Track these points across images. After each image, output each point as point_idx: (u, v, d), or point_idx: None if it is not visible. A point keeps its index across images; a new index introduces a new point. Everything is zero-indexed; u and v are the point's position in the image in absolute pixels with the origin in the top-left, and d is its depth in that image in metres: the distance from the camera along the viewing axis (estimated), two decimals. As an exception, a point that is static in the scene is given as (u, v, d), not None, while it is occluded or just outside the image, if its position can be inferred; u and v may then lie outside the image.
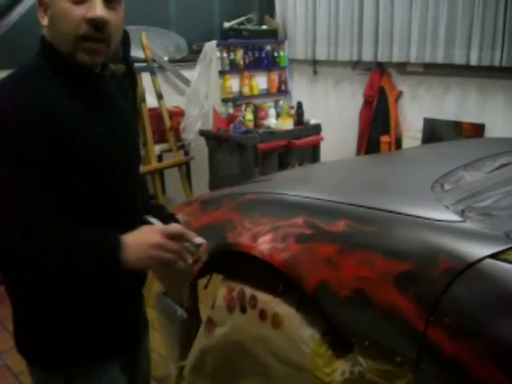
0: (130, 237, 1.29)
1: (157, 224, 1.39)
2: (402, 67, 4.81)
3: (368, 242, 1.42)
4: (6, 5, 4.08)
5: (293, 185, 2.08)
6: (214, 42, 4.75)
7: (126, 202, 1.44)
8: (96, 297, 1.38)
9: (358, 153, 5.10)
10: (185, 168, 4.77)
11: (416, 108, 4.80)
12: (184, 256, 1.36)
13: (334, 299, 1.42)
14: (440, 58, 4.38)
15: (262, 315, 1.68)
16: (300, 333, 1.56)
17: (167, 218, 1.62)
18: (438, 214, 1.47)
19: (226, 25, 5.24)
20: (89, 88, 1.37)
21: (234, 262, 1.80)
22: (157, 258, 1.30)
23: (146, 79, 4.34)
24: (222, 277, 1.86)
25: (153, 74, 4.39)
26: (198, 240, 1.38)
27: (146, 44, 4.37)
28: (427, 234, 1.37)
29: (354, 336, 1.37)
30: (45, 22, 1.31)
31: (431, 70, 4.60)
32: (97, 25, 1.27)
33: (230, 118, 4.61)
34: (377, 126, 4.95)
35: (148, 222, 1.41)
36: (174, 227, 1.36)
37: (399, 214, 1.48)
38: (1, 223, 1.20)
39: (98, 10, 1.26)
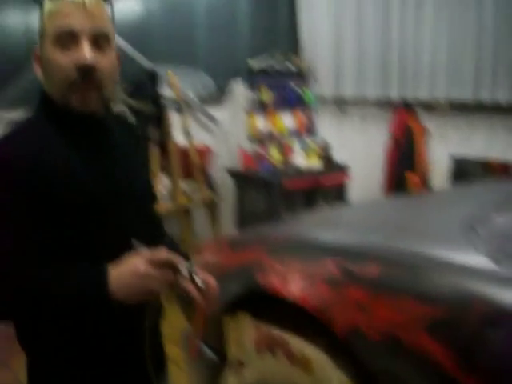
0: (115, 268, 1.20)
1: (142, 250, 1.24)
2: (429, 106, 4.81)
3: (400, 286, 1.40)
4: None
5: (321, 227, 2.07)
6: (240, 81, 4.80)
7: (124, 247, 1.30)
8: (91, 336, 1.30)
9: (385, 191, 5.08)
10: (212, 207, 4.78)
11: (443, 146, 4.77)
12: (183, 287, 1.23)
13: (366, 343, 1.40)
14: (467, 97, 4.37)
15: (292, 358, 1.66)
16: (330, 376, 1.54)
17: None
18: (471, 259, 1.45)
19: (253, 63, 5.30)
20: (85, 135, 1.34)
21: (262, 303, 1.80)
22: (146, 289, 1.19)
23: (174, 117, 4.40)
24: (251, 317, 1.85)
25: (181, 112, 4.45)
26: (190, 265, 1.24)
27: (173, 82, 4.44)
28: (461, 279, 1.35)
29: (385, 381, 1.35)
30: (39, 73, 1.32)
31: (458, 108, 4.59)
32: (85, 71, 1.24)
33: (257, 157, 4.63)
34: (404, 165, 4.93)
35: (133, 248, 1.27)
36: (160, 253, 1.22)
37: (431, 258, 1.46)
38: None
39: (86, 55, 1.23)
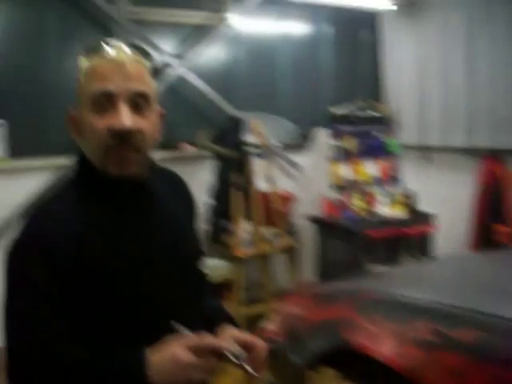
0: (156, 354, 1.14)
1: (184, 333, 1.18)
2: (519, 155, 4.67)
3: (500, 356, 1.33)
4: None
5: (412, 285, 2.02)
6: (324, 129, 4.82)
7: (165, 315, 1.24)
8: None
9: (472, 243, 4.91)
10: (293, 253, 4.76)
11: (535, 197, 4.60)
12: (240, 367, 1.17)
13: (460, 412, 1.34)
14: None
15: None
16: None
17: (224, 321, 1.37)
18: None
19: (335, 111, 5.32)
20: (126, 200, 1.27)
21: (348, 360, 1.76)
22: (187, 379, 1.13)
23: (257, 163, 4.45)
24: (335, 373, 1.81)
25: (264, 158, 4.50)
26: (237, 352, 1.17)
27: (257, 129, 4.50)
28: None
29: None
30: (75, 136, 1.26)
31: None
32: (121, 136, 1.18)
33: (340, 205, 4.60)
34: (492, 215, 4.77)
35: (175, 331, 1.20)
36: (204, 340, 1.16)
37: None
38: (14, 351, 1.16)
39: (123, 119, 1.17)
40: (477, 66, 4.80)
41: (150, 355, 1.14)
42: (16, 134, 3.93)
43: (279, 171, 5.08)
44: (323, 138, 4.78)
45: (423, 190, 5.04)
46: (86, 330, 1.18)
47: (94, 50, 1.23)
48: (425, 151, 5.43)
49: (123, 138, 1.18)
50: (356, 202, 4.54)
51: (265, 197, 4.54)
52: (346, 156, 4.88)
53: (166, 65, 4.46)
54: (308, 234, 4.83)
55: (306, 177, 4.72)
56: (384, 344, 1.56)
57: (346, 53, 5.56)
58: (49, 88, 4.08)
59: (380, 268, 4.23)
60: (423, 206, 4.74)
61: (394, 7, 5.25)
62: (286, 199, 4.78)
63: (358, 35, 5.62)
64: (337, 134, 4.89)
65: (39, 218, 1.22)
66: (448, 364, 1.41)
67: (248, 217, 4.43)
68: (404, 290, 1.83)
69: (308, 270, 4.82)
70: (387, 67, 5.63)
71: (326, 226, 4.56)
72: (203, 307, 1.41)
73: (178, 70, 4.44)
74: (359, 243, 4.27)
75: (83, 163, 1.26)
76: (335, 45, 5.44)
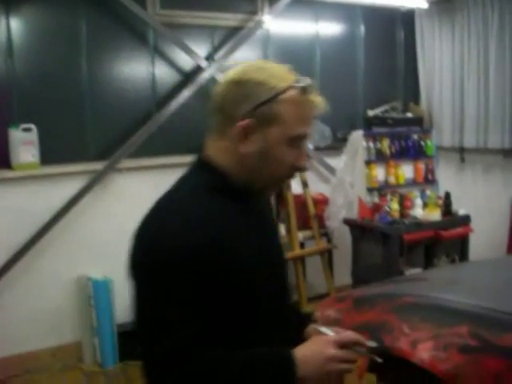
0: (301, 351, 1.24)
1: (327, 333, 1.29)
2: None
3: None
4: (165, 97, 4.45)
5: (450, 288, 2.00)
6: (360, 132, 4.80)
7: (282, 315, 1.40)
8: None
9: (510, 246, 4.83)
10: (327, 256, 4.76)
11: None
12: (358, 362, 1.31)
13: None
14: None
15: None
16: None
17: (305, 318, 1.54)
18: None
19: (371, 113, 5.30)
20: (248, 207, 1.35)
21: (387, 366, 1.75)
22: (334, 372, 1.22)
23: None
24: (375, 378, 1.81)
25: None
26: (372, 343, 1.32)
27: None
28: None
29: None
30: (246, 149, 1.26)
31: None
32: (298, 172, 1.33)
33: (376, 208, 4.58)
34: (531, 218, 4.69)
35: (318, 332, 1.33)
36: (347, 335, 1.28)
37: None
38: (153, 350, 1.18)
39: (305, 161, 1.32)
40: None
41: (295, 353, 1.23)
42: (47, 140, 3.99)
43: (314, 174, 5.09)
44: (359, 140, 4.76)
45: (460, 193, 4.99)
46: (223, 334, 1.23)
47: (306, 86, 1.26)
48: (461, 152, 5.37)
49: (296, 173, 1.34)
50: (392, 205, 4.51)
51: (300, 200, 4.55)
52: (381, 158, 4.86)
53: (199, 68, 4.49)
54: (343, 238, 4.81)
55: (341, 180, 4.69)
56: (423, 348, 1.56)
57: (382, 53, 5.53)
58: (81, 94, 4.15)
59: (416, 271, 4.19)
60: (460, 208, 4.69)
61: (428, 5, 5.20)
62: (321, 202, 4.78)
63: (393, 35, 5.59)
64: (372, 136, 4.87)
65: (179, 220, 1.22)
66: (489, 368, 1.40)
67: (283, 220, 4.45)
68: (442, 293, 1.82)
69: (343, 274, 4.81)
70: (423, 67, 5.58)
71: (362, 229, 4.54)
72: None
73: (212, 72, 4.47)
74: (395, 246, 4.24)
75: (218, 173, 1.30)
76: (370, 45, 5.42)
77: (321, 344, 1.25)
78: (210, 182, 1.29)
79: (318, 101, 1.28)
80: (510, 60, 4.75)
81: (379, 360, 1.28)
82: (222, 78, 1.31)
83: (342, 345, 1.24)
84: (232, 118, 1.25)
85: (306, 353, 1.23)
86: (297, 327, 1.47)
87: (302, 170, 1.32)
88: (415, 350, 1.57)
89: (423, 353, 1.55)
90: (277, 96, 1.23)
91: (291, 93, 1.24)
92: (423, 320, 1.66)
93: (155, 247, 1.20)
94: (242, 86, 1.25)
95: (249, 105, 1.23)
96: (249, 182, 1.30)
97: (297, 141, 1.27)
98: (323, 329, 1.31)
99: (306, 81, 1.26)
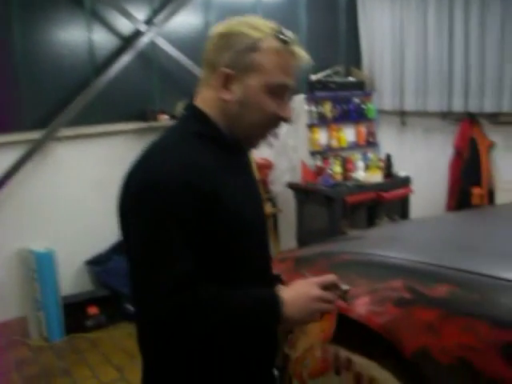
0: (286, 292, 1.29)
1: (310, 277, 1.36)
2: (495, 117, 4.70)
3: (472, 309, 1.37)
4: (103, 62, 4.34)
5: (387, 245, 2.05)
6: (302, 96, 4.81)
7: (264, 259, 1.45)
8: (228, 360, 1.33)
9: (449, 205, 4.97)
10: (272, 220, 4.80)
11: (510, 159, 4.64)
12: (338, 304, 1.36)
13: (435, 366, 1.38)
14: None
15: (358, 378, 1.65)
16: (397, 398, 1.52)
17: (274, 279, 1.55)
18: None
19: (313, 77, 5.31)
20: (235, 160, 1.38)
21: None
22: (317, 311, 1.29)
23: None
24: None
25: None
26: (345, 286, 1.36)
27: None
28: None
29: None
30: (227, 97, 1.30)
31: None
32: (281, 123, 1.34)
33: (319, 171, 4.62)
34: (468, 178, 4.82)
35: (302, 276, 1.41)
36: (328, 277, 1.34)
37: (505, 280, 1.42)
38: (152, 284, 1.20)
39: (288, 112, 1.33)
40: (452, 32, 4.80)
41: (282, 294, 1.27)
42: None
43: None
44: (300, 104, 4.77)
45: (401, 155, 5.09)
46: (216, 271, 1.27)
47: (286, 38, 1.30)
48: (401, 115, 5.46)
49: (279, 124, 1.34)
50: (334, 168, 4.57)
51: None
52: (323, 122, 4.89)
53: (139, 32, 4.39)
54: (288, 202, 4.85)
55: (284, 144, 4.71)
56: (360, 303, 1.60)
57: (324, 18, 5.52)
58: (13, 59, 3.98)
59: (357, 231, 4.28)
60: (401, 170, 4.79)
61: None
62: (265, 167, 4.79)
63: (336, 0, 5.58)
64: (314, 100, 4.89)
65: (172, 155, 1.25)
66: (422, 319, 1.44)
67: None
68: (378, 250, 1.86)
69: (289, 237, 4.86)
70: (365, 32, 5.61)
71: (305, 193, 4.59)
72: None
73: (151, 36, 4.38)
74: (338, 208, 4.30)
75: (205, 121, 1.33)
76: (312, 10, 5.40)
77: (306, 285, 1.31)
78: (199, 129, 1.32)
79: (300, 52, 1.32)
80: (448, 24, 4.82)
81: (350, 300, 1.38)
82: (210, 32, 1.36)
83: (324, 286, 1.31)
84: (214, 68, 1.30)
85: (291, 293, 1.28)
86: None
87: (285, 120, 1.33)
88: (352, 306, 1.60)
89: (360, 308, 1.59)
90: (256, 45, 1.27)
91: (271, 42, 1.28)
92: (360, 276, 1.70)
93: (152, 182, 1.21)
94: (224, 38, 1.30)
95: (229, 54, 1.28)
96: (233, 132, 1.33)
97: (278, 90, 1.29)
98: (306, 273, 1.41)
99: (287, 33, 1.31)
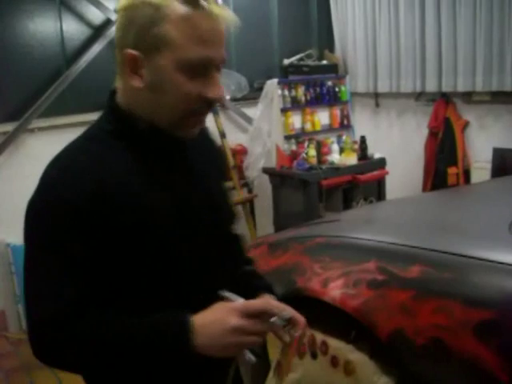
0: (200, 318, 1.07)
1: (235, 300, 1.12)
2: (468, 96, 4.71)
3: (445, 288, 1.37)
4: (74, 52, 4.28)
5: (361, 227, 2.04)
6: (275, 80, 4.78)
7: (201, 276, 1.19)
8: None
9: (425, 185, 4.99)
10: (248, 206, 4.78)
11: (484, 138, 4.66)
12: (279, 334, 1.13)
13: (410, 347, 1.38)
14: (508, 86, 4.26)
15: (334, 362, 1.64)
16: (373, 381, 1.51)
17: (263, 289, 1.29)
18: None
19: (286, 61, 5.28)
20: (163, 156, 1.18)
21: (303, 307, 1.77)
22: (236, 345, 1.06)
23: (208, 118, 4.39)
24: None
25: (215, 113, 4.45)
26: (286, 314, 1.11)
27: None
28: (509, 280, 1.30)
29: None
30: (138, 83, 1.09)
31: (499, 98, 4.46)
32: (211, 104, 1.12)
33: (293, 155, 4.61)
34: (443, 158, 4.83)
35: (223, 298, 1.14)
36: (255, 304, 1.11)
37: (477, 259, 1.42)
38: (27, 313, 1.10)
39: (217, 89, 1.11)
40: (424, 12, 4.78)
41: (194, 319, 1.06)
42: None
43: (232, 125, 5.05)
44: (274, 88, 4.74)
45: (375, 137, 5.09)
46: (121, 293, 1.11)
47: (196, 1, 1.06)
48: (375, 97, 5.45)
49: (210, 106, 1.12)
50: (309, 152, 4.55)
51: (218, 151, 4.50)
52: (297, 105, 4.87)
53: (109, 21, 4.32)
54: (263, 187, 4.84)
55: (258, 129, 4.68)
56: (334, 287, 1.58)
57: (296, 1, 5.48)
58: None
59: (333, 214, 4.28)
60: (376, 152, 4.79)
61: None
62: (240, 152, 4.77)
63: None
64: (287, 84, 4.87)
65: (59, 172, 1.09)
66: (396, 301, 1.43)
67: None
68: (353, 232, 1.85)
69: (265, 222, 4.85)
70: (336, 15, 5.58)
71: (281, 177, 4.57)
72: (240, 271, 1.35)
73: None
74: (314, 192, 4.30)
75: (118, 114, 1.15)
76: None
77: (223, 312, 1.07)
78: (116, 127, 1.15)
79: (220, 13, 1.08)
80: (419, 7, 4.80)
81: (295, 333, 1.13)
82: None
83: (249, 314, 1.07)
84: (121, 52, 1.09)
85: (204, 320, 1.06)
86: (248, 289, 1.25)
87: (213, 101, 1.10)
88: (326, 289, 1.59)
89: (334, 291, 1.57)
90: (159, 15, 1.04)
91: (178, 8, 1.04)
92: (334, 259, 1.68)
93: (32, 202, 1.11)
94: (125, 13, 1.08)
95: (133, 32, 1.06)
96: (156, 123, 1.12)
97: (197, 67, 1.07)
98: (228, 294, 1.13)
99: None
